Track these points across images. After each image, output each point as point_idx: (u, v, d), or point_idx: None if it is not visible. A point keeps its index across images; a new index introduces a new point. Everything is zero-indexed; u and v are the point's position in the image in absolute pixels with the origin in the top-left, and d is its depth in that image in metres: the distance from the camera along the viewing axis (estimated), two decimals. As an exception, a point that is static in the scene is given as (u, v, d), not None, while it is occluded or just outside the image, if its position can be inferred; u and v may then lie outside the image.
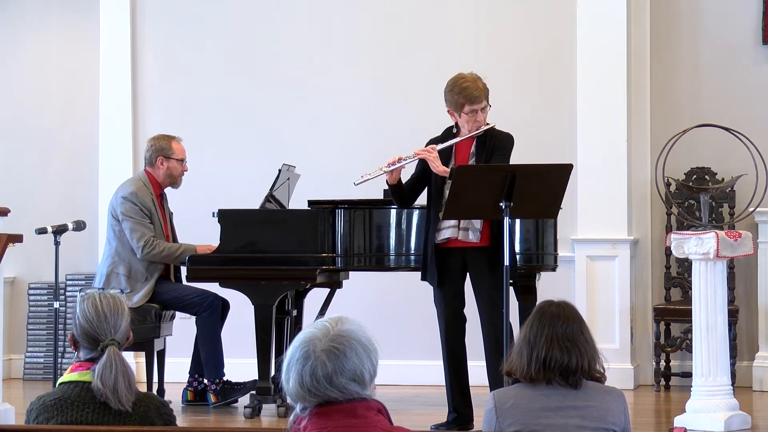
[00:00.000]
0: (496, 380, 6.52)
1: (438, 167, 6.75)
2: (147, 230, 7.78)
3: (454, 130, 6.93)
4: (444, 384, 6.99)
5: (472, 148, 6.87)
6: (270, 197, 7.75)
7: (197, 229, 8.20)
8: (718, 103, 8.85)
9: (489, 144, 6.84)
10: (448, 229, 6.82)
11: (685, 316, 7.98)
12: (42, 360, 9.43)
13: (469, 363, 6.99)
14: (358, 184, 6.98)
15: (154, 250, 7.76)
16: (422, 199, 7.14)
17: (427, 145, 6.96)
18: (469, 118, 6.81)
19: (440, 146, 6.85)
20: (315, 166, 8.83)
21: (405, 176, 7.04)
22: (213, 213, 7.67)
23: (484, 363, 6.83)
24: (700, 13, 8.97)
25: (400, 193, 6.99)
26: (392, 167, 6.84)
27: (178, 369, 8.17)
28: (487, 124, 6.87)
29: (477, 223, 6.79)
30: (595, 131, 8.78)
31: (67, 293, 9.30)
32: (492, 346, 6.74)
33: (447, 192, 6.78)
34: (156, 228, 7.84)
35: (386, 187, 7.14)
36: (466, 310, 6.94)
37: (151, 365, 7.75)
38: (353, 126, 9.19)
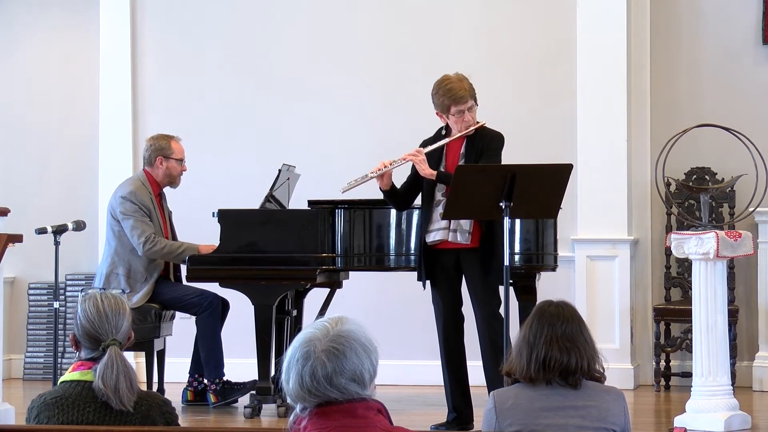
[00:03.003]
0: (493, 380, 6.52)
1: (425, 170, 6.72)
2: (147, 227, 7.78)
3: (444, 132, 6.92)
4: (443, 384, 7.00)
5: (462, 149, 6.85)
6: (270, 197, 7.75)
7: (197, 229, 8.20)
8: (718, 103, 8.85)
9: (478, 144, 6.82)
10: (438, 231, 6.81)
11: (685, 316, 7.98)
12: (42, 360, 9.43)
13: (468, 363, 6.98)
14: (344, 192, 6.95)
15: (155, 246, 7.75)
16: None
17: (420, 146, 6.96)
18: (457, 119, 6.79)
19: (428, 149, 6.83)
20: (315, 166, 8.83)
21: (400, 179, 7.03)
22: (213, 213, 7.67)
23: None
24: (700, 13, 8.96)
25: (394, 198, 6.98)
26: (379, 172, 6.82)
27: (178, 369, 8.18)
28: (477, 122, 6.85)
29: (465, 225, 6.76)
30: (595, 131, 8.78)
31: (67, 293, 9.29)
32: (488, 345, 6.73)
33: (437, 194, 6.78)
34: (155, 227, 7.84)
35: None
36: (464, 310, 6.94)
37: (151, 365, 7.75)
38: (353, 126, 9.19)
